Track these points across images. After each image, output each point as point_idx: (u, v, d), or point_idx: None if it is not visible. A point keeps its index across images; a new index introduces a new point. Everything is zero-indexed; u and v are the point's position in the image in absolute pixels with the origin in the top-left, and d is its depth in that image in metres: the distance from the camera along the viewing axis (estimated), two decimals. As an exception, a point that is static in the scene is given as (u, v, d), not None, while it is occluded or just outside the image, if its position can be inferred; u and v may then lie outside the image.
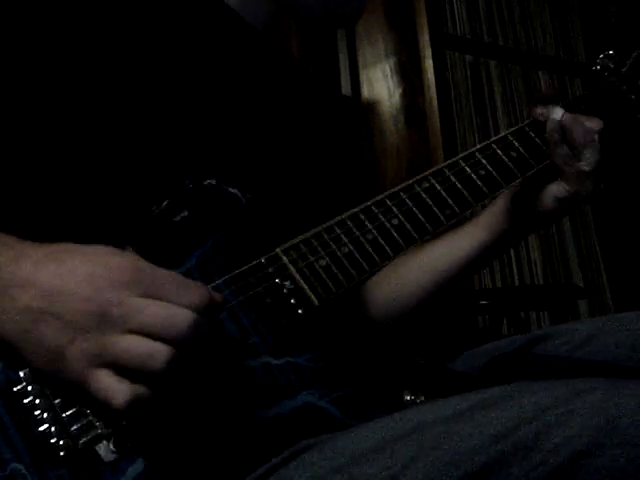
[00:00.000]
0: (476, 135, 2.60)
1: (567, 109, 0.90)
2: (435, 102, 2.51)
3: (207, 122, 0.85)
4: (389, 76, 2.56)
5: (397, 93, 2.55)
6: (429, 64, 2.54)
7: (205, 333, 0.61)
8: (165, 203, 0.73)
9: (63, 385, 0.60)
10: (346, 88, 2.55)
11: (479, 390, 0.62)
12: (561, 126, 0.88)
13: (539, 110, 0.90)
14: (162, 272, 0.61)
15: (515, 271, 2.57)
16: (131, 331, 0.58)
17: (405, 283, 1.00)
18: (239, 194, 0.75)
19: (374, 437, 0.60)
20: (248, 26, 0.94)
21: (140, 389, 0.58)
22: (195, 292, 0.61)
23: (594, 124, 0.88)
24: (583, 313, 2.67)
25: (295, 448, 0.64)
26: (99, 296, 0.58)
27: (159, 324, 0.58)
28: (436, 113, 2.51)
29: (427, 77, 2.54)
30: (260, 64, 0.96)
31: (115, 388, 0.57)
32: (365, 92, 2.58)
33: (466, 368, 0.99)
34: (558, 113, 0.89)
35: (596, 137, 0.88)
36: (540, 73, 2.81)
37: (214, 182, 0.75)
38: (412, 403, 0.76)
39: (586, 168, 0.87)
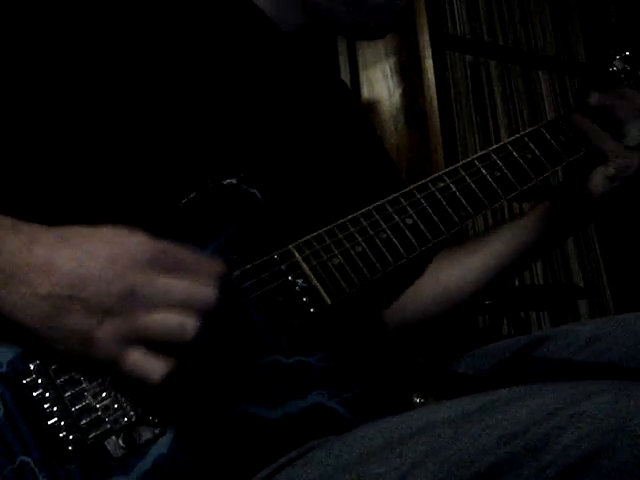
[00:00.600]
0: (476, 135, 2.60)
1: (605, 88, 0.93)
2: (435, 102, 2.51)
3: (230, 122, 0.85)
4: (389, 76, 2.56)
5: (397, 93, 2.55)
6: (429, 64, 2.54)
7: (228, 301, 0.62)
8: (185, 201, 0.73)
9: (91, 368, 0.61)
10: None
11: (487, 392, 0.62)
12: (599, 105, 0.91)
13: (586, 97, 0.93)
14: (180, 248, 0.62)
15: (515, 271, 2.56)
16: (158, 308, 0.59)
17: (468, 274, 1.01)
18: (258, 194, 0.76)
19: (383, 437, 0.60)
20: (276, 28, 0.95)
21: (174, 362, 0.59)
22: (214, 264, 0.62)
23: (637, 100, 0.91)
24: (583, 313, 2.67)
25: (303, 448, 0.64)
26: (123, 277, 0.59)
27: (185, 298, 0.59)
28: (436, 113, 2.51)
29: (427, 77, 2.54)
30: (287, 66, 0.96)
31: (150, 364, 0.58)
32: (365, 92, 2.58)
33: (471, 370, 0.99)
34: (595, 95, 0.91)
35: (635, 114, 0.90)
36: (540, 73, 2.81)
37: (234, 181, 0.75)
38: (421, 405, 0.76)
39: (631, 143, 0.90)
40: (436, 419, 0.60)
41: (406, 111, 2.53)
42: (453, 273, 1.02)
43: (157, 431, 0.62)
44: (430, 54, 2.52)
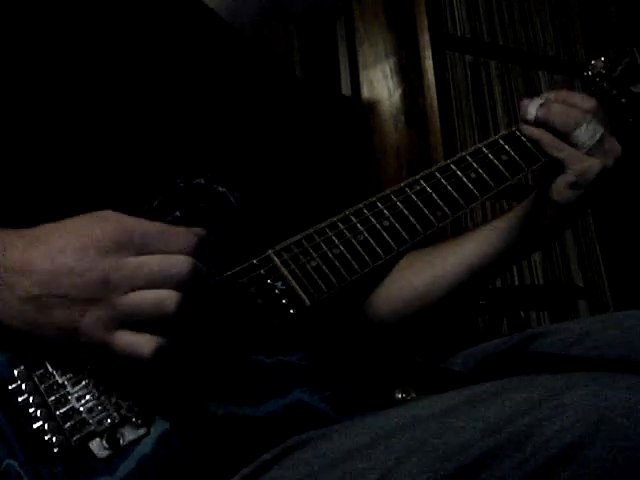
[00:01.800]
0: (476, 135, 2.60)
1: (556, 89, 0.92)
2: (435, 102, 2.52)
3: (196, 121, 0.86)
4: (389, 76, 2.56)
5: (397, 93, 2.55)
6: (429, 64, 2.54)
7: (203, 271, 0.63)
8: (156, 202, 0.74)
9: (87, 355, 0.62)
10: (346, 88, 2.55)
11: (471, 386, 0.62)
12: (538, 121, 0.89)
13: (520, 111, 0.91)
14: (148, 225, 0.63)
15: (515, 271, 2.57)
16: (136, 289, 0.60)
17: (441, 275, 1.01)
18: (227, 193, 0.76)
19: (368, 433, 0.61)
20: (231, 28, 0.96)
21: (161, 337, 0.60)
22: (184, 236, 0.63)
23: (584, 105, 0.90)
24: (583, 313, 2.67)
25: (287, 444, 0.65)
26: (95, 266, 0.59)
27: (160, 274, 0.60)
28: (436, 113, 2.51)
29: (427, 77, 2.54)
30: (246, 65, 0.97)
31: (139, 342, 0.59)
32: (365, 92, 2.58)
33: (460, 367, 0.99)
34: (532, 110, 0.90)
35: (587, 116, 0.88)
36: (540, 73, 2.81)
37: (203, 181, 0.76)
38: (403, 401, 0.77)
39: (582, 150, 0.88)
40: (421, 414, 0.60)
41: (406, 111, 2.53)
42: (424, 276, 1.02)
43: (141, 432, 0.63)
44: (430, 54, 2.52)
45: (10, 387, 0.62)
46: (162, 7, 0.91)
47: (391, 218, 0.80)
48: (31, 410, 0.61)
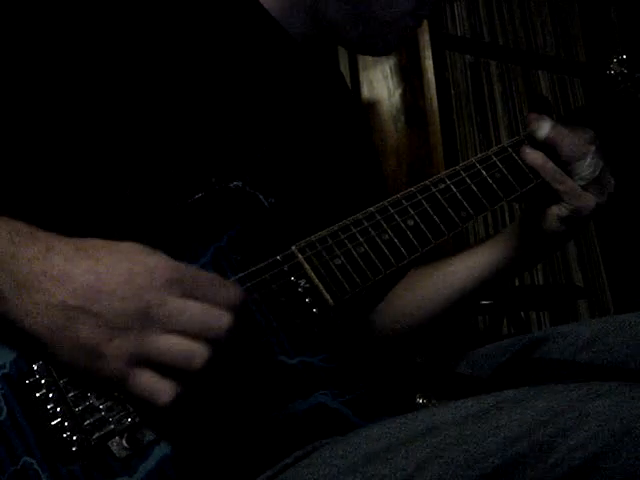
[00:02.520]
0: (476, 135, 2.61)
1: (560, 121, 0.88)
2: (435, 102, 2.52)
3: (237, 125, 0.85)
4: (389, 76, 2.56)
5: (397, 93, 2.55)
6: (429, 64, 2.55)
7: (241, 332, 0.61)
8: (190, 201, 0.73)
9: (94, 382, 0.60)
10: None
11: (492, 393, 0.62)
12: (547, 142, 0.86)
13: (531, 124, 0.88)
14: (200, 272, 0.61)
15: (515, 271, 2.56)
16: (171, 331, 0.58)
17: (421, 300, 1.01)
18: (262, 198, 0.75)
19: (388, 437, 0.60)
20: (286, 35, 0.95)
21: (181, 386, 0.59)
22: (232, 292, 0.61)
23: (584, 136, 0.87)
24: (583, 313, 2.68)
25: (308, 448, 0.64)
26: (139, 296, 0.58)
27: (199, 326, 0.59)
28: (436, 113, 2.51)
29: (427, 77, 2.54)
30: (293, 74, 0.96)
31: (159, 387, 0.58)
32: (365, 92, 2.58)
33: (473, 371, 0.99)
34: (545, 128, 0.87)
35: (591, 149, 0.86)
36: (540, 73, 2.81)
37: (240, 184, 0.75)
38: (424, 407, 0.76)
39: (581, 183, 0.86)
40: (441, 420, 0.60)
41: (406, 111, 2.53)
42: (413, 297, 1.02)
43: None
44: (430, 54, 2.52)
45: (28, 381, 0.60)
46: (216, 6, 0.91)
47: (416, 217, 0.78)
48: (49, 406, 0.60)
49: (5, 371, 0.61)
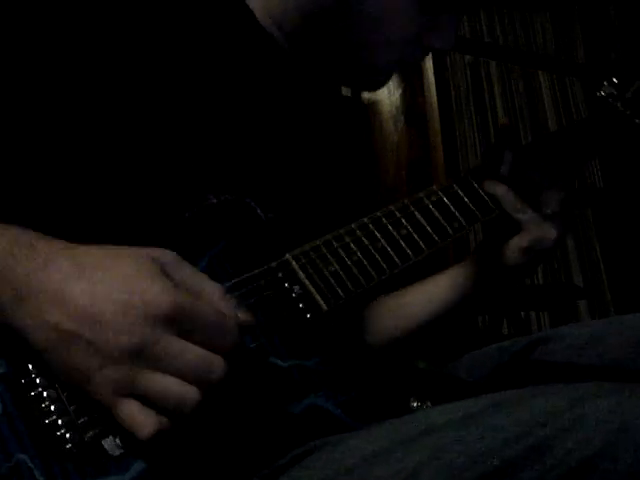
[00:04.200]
0: (476, 135, 2.61)
1: (526, 151, 0.89)
2: (435, 102, 2.52)
3: (231, 139, 0.85)
4: (389, 76, 2.55)
5: (397, 93, 2.55)
6: (429, 64, 2.55)
7: (232, 372, 0.61)
8: (187, 215, 0.74)
9: (88, 399, 0.60)
10: (346, 88, 2.54)
11: (489, 394, 0.62)
12: (511, 172, 0.87)
13: (490, 186, 0.87)
14: (200, 309, 0.60)
15: (515, 271, 2.57)
16: (163, 371, 0.58)
17: (383, 328, 1.01)
18: (260, 211, 0.76)
19: (384, 439, 0.60)
20: (276, 44, 0.94)
21: (165, 421, 0.58)
22: (232, 334, 0.61)
23: (553, 167, 0.87)
24: (583, 313, 2.67)
25: (302, 449, 0.64)
26: (134, 331, 0.57)
27: (193, 371, 0.58)
28: (436, 113, 2.51)
29: (427, 77, 2.54)
30: (287, 85, 0.96)
31: (141, 420, 0.58)
32: (365, 92, 2.58)
33: (470, 372, 0.99)
34: (507, 165, 0.87)
35: (559, 179, 0.86)
36: (540, 73, 2.81)
37: (235, 198, 0.75)
38: (419, 409, 0.77)
39: (548, 211, 0.86)
40: (438, 421, 0.60)
41: (406, 111, 2.53)
42: (375, 324, 1.02)
43: None
44: (430, 54, 2.51)
45: (23, 380, 0.61)
46: (204, 15, 0.90)
47: (409, 227, 0.81)
48: (44, 404, 0.60)
49: (2, 370, 0.61)
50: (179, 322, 0.58)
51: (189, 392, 0.58)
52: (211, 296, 0.62)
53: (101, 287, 0.58)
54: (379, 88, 0.99)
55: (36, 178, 0.75)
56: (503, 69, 2.73)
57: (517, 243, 0.88)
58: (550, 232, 0.86)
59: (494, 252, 0.91)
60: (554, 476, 0.54)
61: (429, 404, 0.75)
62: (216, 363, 0.59)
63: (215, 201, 0.75)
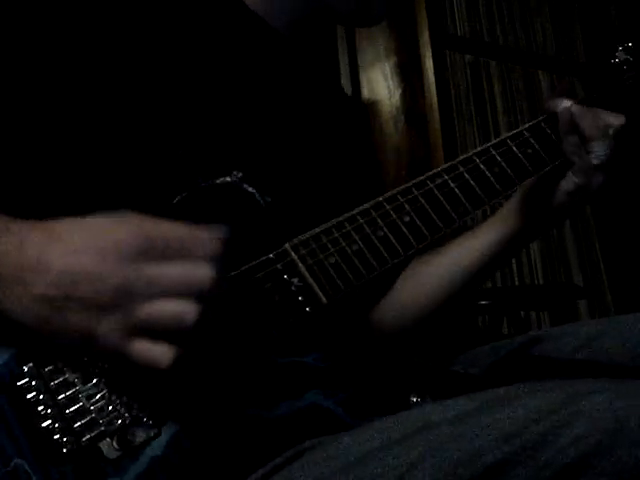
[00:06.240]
0: (476, 135, 2.61)
1: (582, 103, 0.89)
2: (435, 102, 2.52)
3: (224, 123, 0.84)
4: (389, 76, 2.56)
5: (397, 93, 2.55)
6: (429, 64, 2.54)
7: (224, 279, 0.62)
8: (177, 199, 0.73)
9: (99, 357, 0.62)
10: (346, 88, 2.54)
11: (485, 391, 0.62)
12: (571, 115, 0.87)
13: (551, 102, 0.89)
14: (170, 229, 0.61)
15: (515, 271, 2.57)
16: (154, 298, 0.59)
17: (425, 286, 1.00)
18: (257, 195, 0.75)
19: (380, 437, 0.60)
20: (269, 28, 0.94)
21: (178, 348, 0.59)
22: (207, 242, 0.61)
23: (610, 118, 0.88)
24: (583, 313, 2.67)
25: (299, 448, 0.64)
26: (114, 273, 0.58)
27: (181, 285, 0.59)
28: (436, 113, 2.51)
29: (427, 77, 2.54)
30: (280, 68, 0.96)
31: (157, 352, 0.59)
32: (365, 92, 2.58)
33: (467, 369, 0.99)
34: (568, 102, 0.88)
35: (610, 131, 0.87)
36: (540, 73, 2.81)
37: (228, 180, 0.75)
38: (418, 405, 0.76)
39: (595, 161, 0.87)
40: (434, 419, 0.60)
41: (406, 111, 2.53)
42: (414, 287, 1.01)
43: (152, 433, 0.63)
44: (430, 54, 2.52)
45: (19, 383, 0.61)
46: (197, 2, 0.90)
47: (412, 213, 0.77)
48: (40, 408, 0.60)
49: None
50: (152, 250, 0.59)
51: (184, 307, 0.59)
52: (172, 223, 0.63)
53: (73, 246, 0.59)
54: (374, 22, 0.99)
55: (24, 162, 0.76)
56: (503, 69, 2.73)
57: (565, 184, 0.89)
58: (596, 182, 0.88)
59: (540, 195, 0.92)
60: (549, 472, 0.54)
61: (429, 399, 0.75)
62: (200, 271, 0.60)
63: (204, 185, 0.74)
